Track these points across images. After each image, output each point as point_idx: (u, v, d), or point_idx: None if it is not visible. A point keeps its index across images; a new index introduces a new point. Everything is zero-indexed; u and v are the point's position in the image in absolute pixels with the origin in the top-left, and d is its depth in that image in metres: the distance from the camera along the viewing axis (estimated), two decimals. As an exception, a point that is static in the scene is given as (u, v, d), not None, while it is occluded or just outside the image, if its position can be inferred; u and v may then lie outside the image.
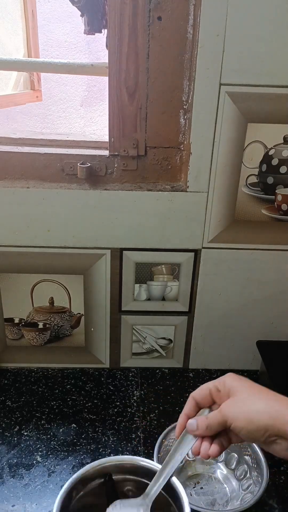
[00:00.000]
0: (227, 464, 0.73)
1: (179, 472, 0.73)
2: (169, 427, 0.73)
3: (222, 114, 0.73)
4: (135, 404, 0.87)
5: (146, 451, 0.76)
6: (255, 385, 0.49)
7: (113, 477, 0.58)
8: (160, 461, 0.69)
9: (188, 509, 0.51)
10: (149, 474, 0.56)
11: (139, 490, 0.55)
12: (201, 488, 0.71)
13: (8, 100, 1.06)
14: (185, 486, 0.70)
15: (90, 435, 0.79)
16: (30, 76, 1.12)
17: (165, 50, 0.71)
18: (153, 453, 0.75)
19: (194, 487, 0.71)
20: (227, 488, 0.70)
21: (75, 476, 0.55)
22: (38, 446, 0.77)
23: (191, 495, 0.69)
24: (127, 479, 0.59)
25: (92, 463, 0.57)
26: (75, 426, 0.81)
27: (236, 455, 0.72)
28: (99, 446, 0.77)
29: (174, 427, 0.74)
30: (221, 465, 0.73)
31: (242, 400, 0.48)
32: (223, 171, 0.77)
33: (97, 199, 0.79)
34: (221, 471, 0.73)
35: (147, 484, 0.54)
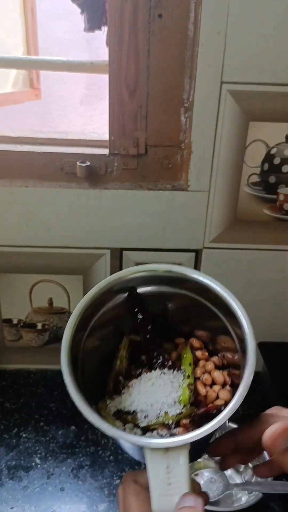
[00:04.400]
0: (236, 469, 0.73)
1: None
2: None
3: (223, 112, 0.72)
4: (135, 405, 0.86)
5: (146, 453, 0.76)
6: None
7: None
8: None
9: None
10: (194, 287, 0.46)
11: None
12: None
13: (7, 98, 1.05)
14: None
15: (89, 437, 0.79)
16: (29, 74, 1.11)
17: (165, 48, 0.70)
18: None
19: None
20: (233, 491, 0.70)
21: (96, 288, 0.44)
22: (37, 448, 0.77)
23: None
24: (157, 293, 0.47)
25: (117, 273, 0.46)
26: (74, 428, 0.81)
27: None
28: (98, 448, 0.77)
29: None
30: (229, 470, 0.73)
31: None
32: (224, 170, 0.76)
33: (97, 199, 0.78)
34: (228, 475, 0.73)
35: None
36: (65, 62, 0.77)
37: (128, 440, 0.36)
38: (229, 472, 0.72)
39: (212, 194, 0.78)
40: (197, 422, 0.40)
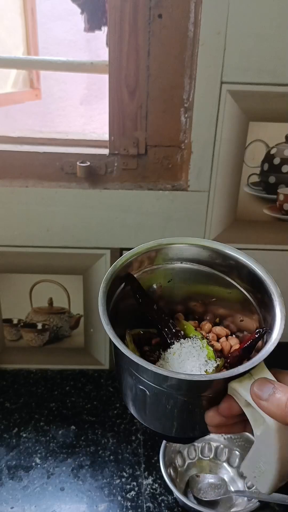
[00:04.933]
0: (230, 463, 0.73)
1: (182, 474, 0.72)
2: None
3: (223, 112, 0.72)
4: (135, 405, 0.86)
5: (146, 453, 0.76)
6: None
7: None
8: (166, 466, 0.69)
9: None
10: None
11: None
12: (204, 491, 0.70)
13: (7, 98, 1.05)
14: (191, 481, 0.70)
15: (90, 437, 0.79)
16: (29, 74, 1.11)
17: (165, 48, 0.70)
18: (153, 455, 0.74)
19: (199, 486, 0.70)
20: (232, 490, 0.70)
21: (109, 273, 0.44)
22: (37, 448, 0.77)
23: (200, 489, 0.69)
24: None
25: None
26: (74, 428, 0.80)
27: (237, 453, 0.72)
28: (99, 448, 0.77)
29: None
30: (225, 465, 0.73)
31: None
32: (224, 170, 0.76)
33: (97, 199, 0.78)
34: (227, 473, 0.73)
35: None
36: (65, 62, 0.77)
37: (228, 374, 0.37)
38: (231, 474, 0.72)
39: (212, 194, 0.78)
40: (237, 360, 0.42)
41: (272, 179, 0.77)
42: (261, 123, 0.73)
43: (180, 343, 0.44)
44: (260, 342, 0.42)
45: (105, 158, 0.78)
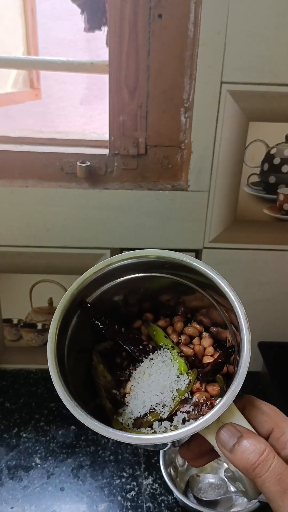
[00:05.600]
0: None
1: (182, 474, 0.72)
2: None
3: (223, 112, 0.72)
4: (135, 405, 0.86)
5: (146, 453, 0.76)
6: None
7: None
8: (166, 466, 0.69)
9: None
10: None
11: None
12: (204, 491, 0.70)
13: (7, 98, 1.05)
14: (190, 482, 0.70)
15: (90, 437, 0.79)
16: (29, 74, 1.11)
17: (165, 48, 0.70)
18: (153, 455, 0.74)
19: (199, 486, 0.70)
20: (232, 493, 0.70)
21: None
22: (37, 448, 0.77)
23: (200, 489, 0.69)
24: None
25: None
26: (74, 428, 0.80)
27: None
28: (99, 448, 0.77)
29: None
30: (226, 465, 0.73)
31: None
32: (224, 170, 0.76)
33: (97, 199, 0.78)
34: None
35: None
36: (65, 62, 0.77)
37: (182, 435, 0.34)
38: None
39: (212, 194, 0.78)
40: (210, 375, 0.40)
41: (272, 179, 0.77)
42: (261, 123, 0.73)
43: (150, 360, 0.42)
44: (230, 367, 0.40)
45: (105, 158, 0.78)
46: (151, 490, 0.70)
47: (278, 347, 0.89)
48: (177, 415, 0.39)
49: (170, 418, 0.39)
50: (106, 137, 0.78)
